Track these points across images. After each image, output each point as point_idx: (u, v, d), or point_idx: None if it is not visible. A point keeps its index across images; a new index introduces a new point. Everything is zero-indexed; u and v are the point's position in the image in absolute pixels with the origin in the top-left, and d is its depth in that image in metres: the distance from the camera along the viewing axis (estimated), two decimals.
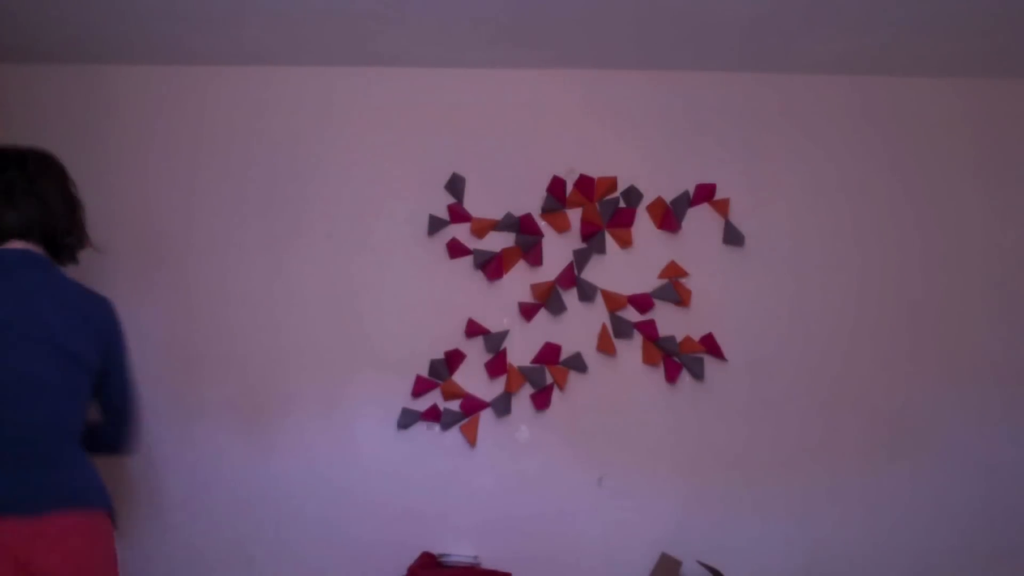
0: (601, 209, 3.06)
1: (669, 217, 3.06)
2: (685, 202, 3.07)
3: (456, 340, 3.02)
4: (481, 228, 3.06)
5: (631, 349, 3.01)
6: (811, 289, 3.03)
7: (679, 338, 3.00)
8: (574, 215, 3.07)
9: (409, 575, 2.74)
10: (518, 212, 3.06)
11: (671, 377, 2.99)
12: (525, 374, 3.00)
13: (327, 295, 3.04)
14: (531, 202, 3.07)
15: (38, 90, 3.15)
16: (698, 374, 2.99)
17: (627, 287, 3.03)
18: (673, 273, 3.04)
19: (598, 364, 3.01)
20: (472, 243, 3.06)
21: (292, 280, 3.05)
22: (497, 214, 3.07)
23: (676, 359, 3.00)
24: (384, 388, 2.99)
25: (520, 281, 3.04)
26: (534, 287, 3.03)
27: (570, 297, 3.04)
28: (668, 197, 3.07)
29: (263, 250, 3.07)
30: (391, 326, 3.02)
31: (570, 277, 3.04)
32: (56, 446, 2.11)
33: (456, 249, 3.05)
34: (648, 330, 3.00)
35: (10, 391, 2.05)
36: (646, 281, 3.04)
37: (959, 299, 3.02)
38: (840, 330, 3.01)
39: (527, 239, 3.05)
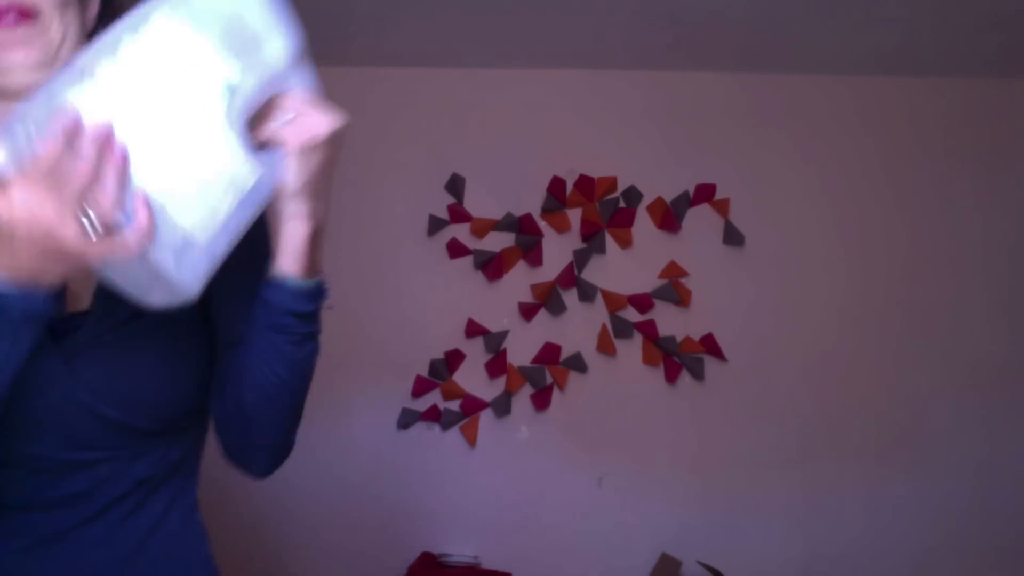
0: (601, 209, 3.06)
1: (669, 217, 3.06)
2: (685, 202, 3.07)
3: (456, 340, 3.02)
4: (481, 228, 3.06)
5: (631, 349, 3.01)
6: (811, 289, 3.03)
7: (679, 338, 3.00)
8: (574, 215, 3.07)
9: (409, 575, 2.74)
10: (518, 212, 3.06)
11: (671, 377, 2.99)
12: (525, 374, 3.00)
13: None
14: (531, 202, 3.07)
15: None
16: (698, 374, 2.98)
17: (627, 287, 3.03)
18: (673, 273, 3.03)
19: (598, 364, 3.01)
20: (472, 243, 3.06)
21: None
22: (497, 214, 3.06)
23: (676, 359, 3.00)
24: (384, 388, 2.99)
25: (520, 281, 3.04)
26: (534, 287, 3.03)
27: (570, 297, 3.04)
28: (668, 197, 3.07)
29: None
30: (391, 326, 3.02)
31: (570, 277, 3.03)
32: None
33: (456, 249, 3.05)
34: (648, 330, 3.00)
35: None
36: (646, 281, 3.04)
37: (959, 300, 3.02)
38: (840, 330, 3.01)
39: (527, 239, 3.05)
